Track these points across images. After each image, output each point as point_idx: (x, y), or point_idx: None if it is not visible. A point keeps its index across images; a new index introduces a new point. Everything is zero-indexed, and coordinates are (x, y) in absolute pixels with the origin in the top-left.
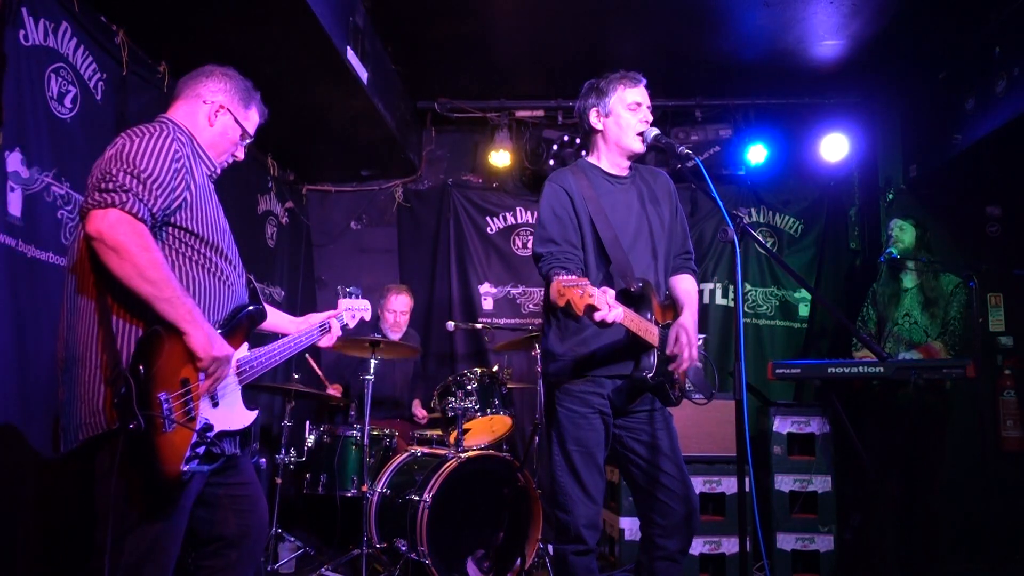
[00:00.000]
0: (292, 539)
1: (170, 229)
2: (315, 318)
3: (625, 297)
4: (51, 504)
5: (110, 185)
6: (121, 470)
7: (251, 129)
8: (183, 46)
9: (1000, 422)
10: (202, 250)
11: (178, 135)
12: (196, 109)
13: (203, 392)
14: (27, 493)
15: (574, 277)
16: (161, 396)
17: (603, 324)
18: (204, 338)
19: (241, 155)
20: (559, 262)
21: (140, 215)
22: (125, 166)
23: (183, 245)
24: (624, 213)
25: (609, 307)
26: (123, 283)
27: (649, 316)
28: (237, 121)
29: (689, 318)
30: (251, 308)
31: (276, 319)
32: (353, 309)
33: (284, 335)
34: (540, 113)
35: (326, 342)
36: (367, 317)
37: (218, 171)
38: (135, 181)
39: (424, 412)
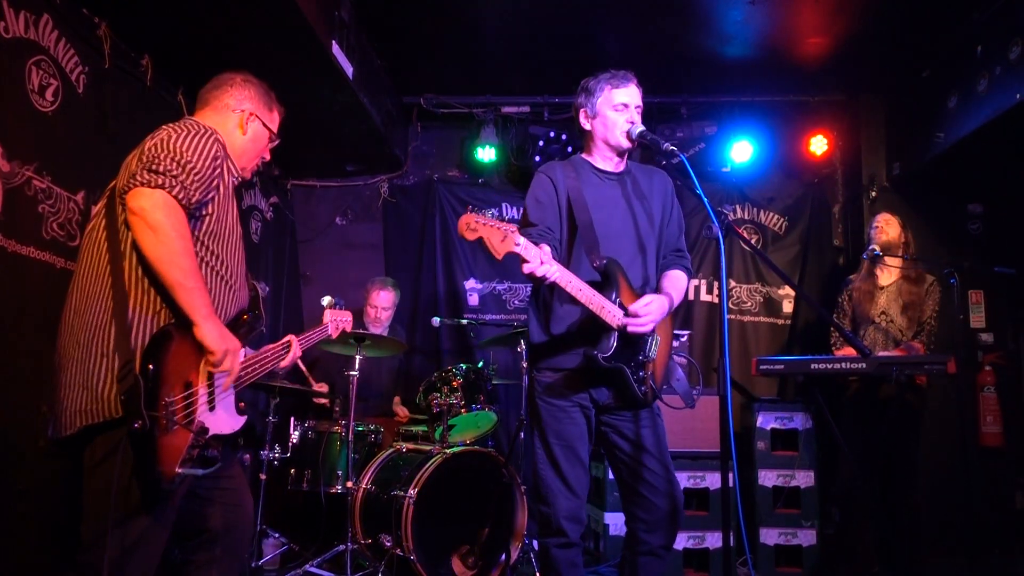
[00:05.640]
0: (276, 535)
1: (192, 225)
2: (284, 340)
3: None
4: (35, 499)
5: (159, 167)
6: (118, 466)
7: (276, 130)
8: (166, 39)
9: (980, 418)
10: (217, 252)
11: (219, 138)
12: (226, 118)
13: (226, 388)
14: (10, 488)
15: (501, 223)
16: (167, 398)
17: (539, 280)
18: (216, 331)
19: (267, 156)
20: (532, 239)
21: (182, 201)
22: (172, 153)
23: (201, 246)
24: (609, 207)
25: (541, 261)
26: (152, 265)
27: (614, 297)
28: (265, 126)
29: (666, 295)
30: (248, 315)
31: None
32: (337, 320)
33: None
34: (526, 109)
35: (286, 362)
36: (348, 328)
37: (246, 176)
38: (180, 168)
39: (405, 411)
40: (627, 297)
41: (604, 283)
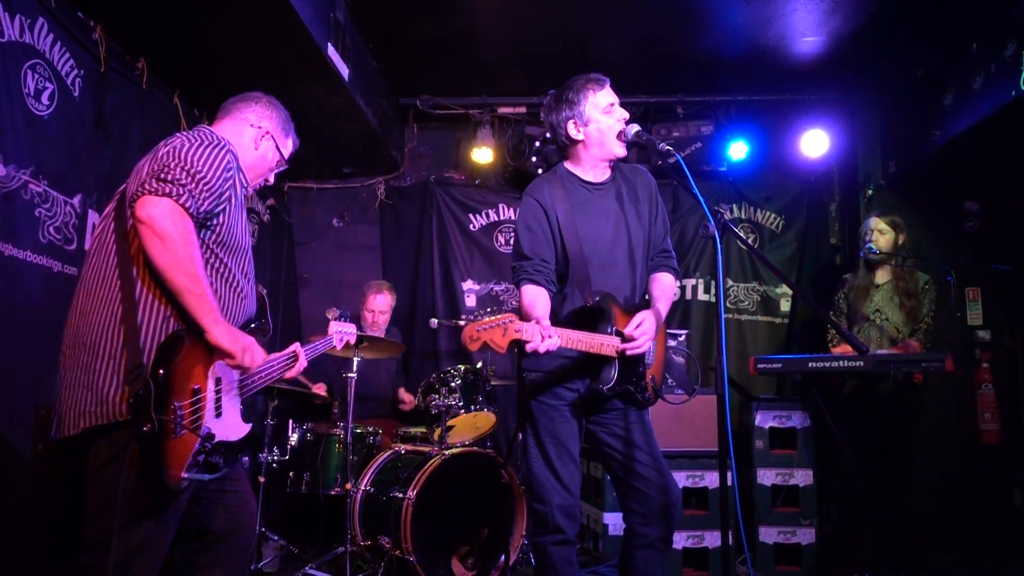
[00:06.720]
0: (276, 537)
1: (203, 234)
2: (289, 349)
3: (583, 312)
4: (35, 500)
5: (167, 176)
6: (125, 468)
7: (287, 156)
8: (162, 42)
9: (978, 415)
10: (226, 261)
11: (231, 150)
12: (243, 131)
13: (235, 386)
14: (11, 488)
15: (497, 317)
16: (176, 403)
17: (543, 353)
18: (227, 333)
19: (272, 180)
20: (528, 274)
21: (190, 210)
22: (182, 163)
23: (211, 254)
24: (601, 222)
25: (542, 337)
26: (160, 272)
27: (609, 329)
28: (278, 148)
29: (656, 311)
30: (255, 323)
31: None
32: (342, 332)
33: None
34: (522, 110)
35: (293, 373)
36: (352, 340)
37: (250, 191)
38: (189, 178)
39: (410, 396)
40: (622, 323)
41: (599, 315)
